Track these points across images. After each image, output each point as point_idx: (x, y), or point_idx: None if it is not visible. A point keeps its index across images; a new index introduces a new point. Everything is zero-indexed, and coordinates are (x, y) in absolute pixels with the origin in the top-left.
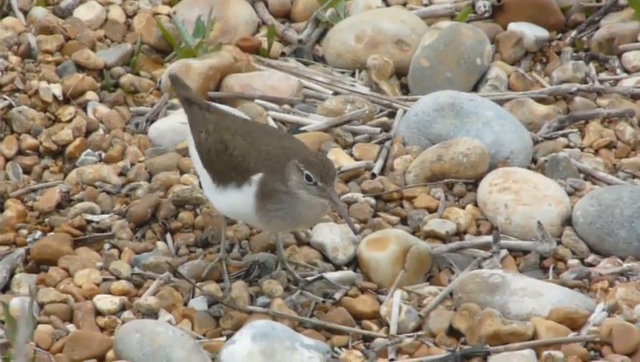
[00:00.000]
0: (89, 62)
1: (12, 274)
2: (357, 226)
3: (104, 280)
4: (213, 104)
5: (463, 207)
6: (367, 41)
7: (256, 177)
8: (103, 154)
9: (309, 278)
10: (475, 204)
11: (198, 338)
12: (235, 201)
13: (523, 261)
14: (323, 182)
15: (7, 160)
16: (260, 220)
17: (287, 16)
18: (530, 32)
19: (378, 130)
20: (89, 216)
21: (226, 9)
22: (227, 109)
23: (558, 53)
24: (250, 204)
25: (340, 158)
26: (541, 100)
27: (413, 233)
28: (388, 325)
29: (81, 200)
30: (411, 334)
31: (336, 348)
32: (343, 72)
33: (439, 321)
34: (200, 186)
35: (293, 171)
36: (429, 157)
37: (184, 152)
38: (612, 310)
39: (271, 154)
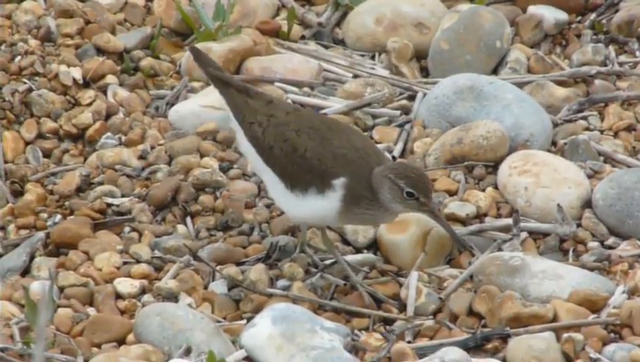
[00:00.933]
0: (109, 45)
1: (32, 258)
2: None
3: (124, 263)
4: (250, 86)
5: (483, 190)
6: (387, 24)
7: (340, 181)
8: (123, 138)
9: (327, 261)
10: (495, 187)
11: (219, 322)
12: (317, 207)
13: (543, 243)
14: (426, 198)
15: (27, 143)
16: (339, 220)
17: None
18: (550, 14)
19: (398, 112)
20: (109, 200)
21: None
22: (265, 92)
23: (578, 36)
24: (335, 208)
25: None
26: (561, 83)
27: None
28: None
29: (101, 183)
30: (432, 317)
31: (356, 331)
32: (362, 55)
33: (459, 304)
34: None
35: (387, 185)
36: (449, 140)
37: (204, 135)
38: (632, 292)
39: (349, 158)
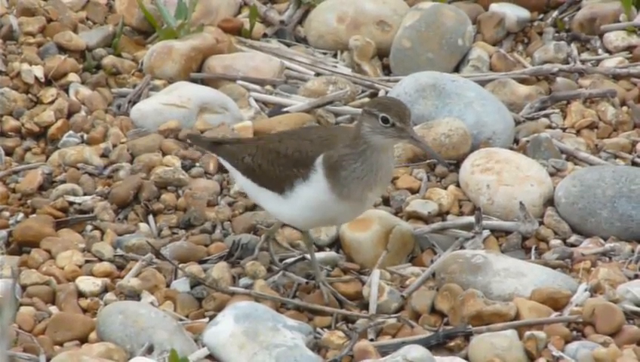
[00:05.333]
0: (71, 43)
1: None
2: None
3: (86, 261)
4: (242, 138)
5: (445, 188)
6: (349, 22)
7: (319, 160)
8: (85, 136)
9: (289, 260)
10: (458, 185)
11: (181, 320)
12: (307, 196)
13: (505, 241)
14: (401, 122)
15: None
16: (339, 197)
17: None
18: (512, 12)
19: (360, 110)
20: (71, 198)
21: None
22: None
23: (540, 34)
24: (323, 186)
25: None
26: (523, 81)
27: (395, 214)
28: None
29: (63, 181)
30: (394, 315)
31: (318, 329)
32: (324, 53)
33: (422, 302)
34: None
35: (366, 119)
36: None
37: (166, 133)
38: (594, 290)
39: (324, 137)
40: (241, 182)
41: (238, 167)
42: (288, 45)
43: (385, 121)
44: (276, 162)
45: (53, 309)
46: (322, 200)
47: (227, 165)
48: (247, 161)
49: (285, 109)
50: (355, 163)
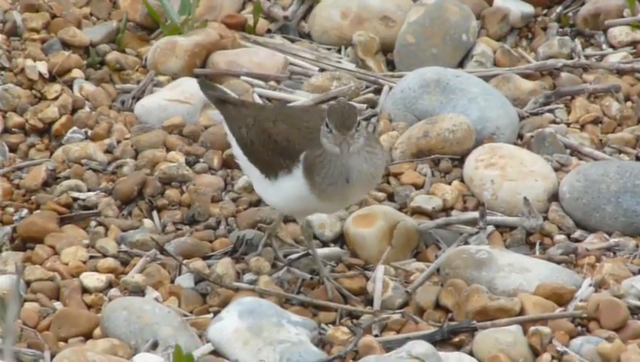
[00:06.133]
0: (75, 39)
1: None
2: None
3: (91, 257)
4: (246, 100)
5: (450, 183)
6: (353, 17)
7: (302, 156)
8: (89, 132)
9: (293, 256)
10: (462, 180)
11: (185, 316)
12: (289, 189)
13: (509, 237)
14: (337, 130)
15: None
16: (319, 197)
17: None
18: (516, 7)
19: (364, 106)
20: (75, 194)
21: None
22: (264, 102)
23: (544, 29)
24: (303, 184)
25: None
26: (527, 76)
27: (400, 209)
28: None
29: (67, 177)
30: (399, 311)
31: (323, 325)
32: (328, 49)
33: (426, 297)
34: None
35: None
36: (415, 133)
37: (170, 129)
38: (599, 285)
39: (311, 128)
40: (234, 149)
41: (234, 134)
42: (292, 41)
43: (327, 125)
44: (266, 144)
45: (58, 305)
46: (303, 196)
47: (225, 126)
48: (242, 132)
49: (289, 105)
50: (324, 168)
